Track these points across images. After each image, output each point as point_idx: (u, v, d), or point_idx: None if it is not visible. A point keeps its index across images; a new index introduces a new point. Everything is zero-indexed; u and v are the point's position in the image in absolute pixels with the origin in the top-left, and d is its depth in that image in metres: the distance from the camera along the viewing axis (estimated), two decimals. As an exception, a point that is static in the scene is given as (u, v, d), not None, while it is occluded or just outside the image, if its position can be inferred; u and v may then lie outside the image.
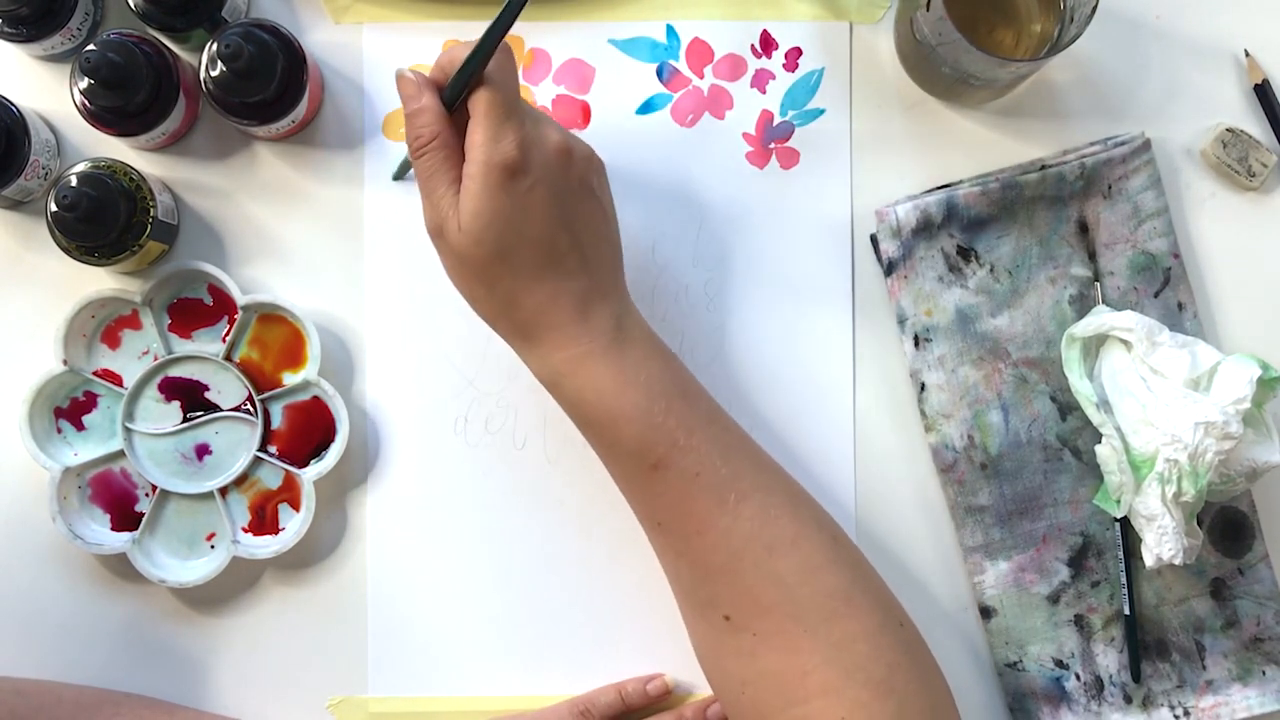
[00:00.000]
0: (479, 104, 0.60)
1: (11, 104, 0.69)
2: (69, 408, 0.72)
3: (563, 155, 0.62)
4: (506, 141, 0.60)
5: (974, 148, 0.74)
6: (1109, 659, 0.72)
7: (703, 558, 0.62)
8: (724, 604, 0.62)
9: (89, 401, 0.72)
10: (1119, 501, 0.70)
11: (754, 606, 0.61)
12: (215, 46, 0.67)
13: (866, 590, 0.63)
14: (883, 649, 0.61)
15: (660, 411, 0.62)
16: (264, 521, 0.72)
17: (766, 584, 0.61)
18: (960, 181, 0.73)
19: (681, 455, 0.62)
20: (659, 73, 0.74)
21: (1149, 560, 0.68)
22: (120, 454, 0.71)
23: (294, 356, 0.72)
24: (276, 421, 0.72)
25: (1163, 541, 0.67)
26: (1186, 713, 0.71)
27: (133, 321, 0.72)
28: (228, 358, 0.72)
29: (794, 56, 0.74)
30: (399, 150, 0.73)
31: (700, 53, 0.74)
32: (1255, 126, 0.74)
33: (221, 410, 0.72)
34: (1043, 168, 0.72)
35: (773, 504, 0.62)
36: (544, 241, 0.61)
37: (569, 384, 0.63)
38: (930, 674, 0.63)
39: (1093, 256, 0.72)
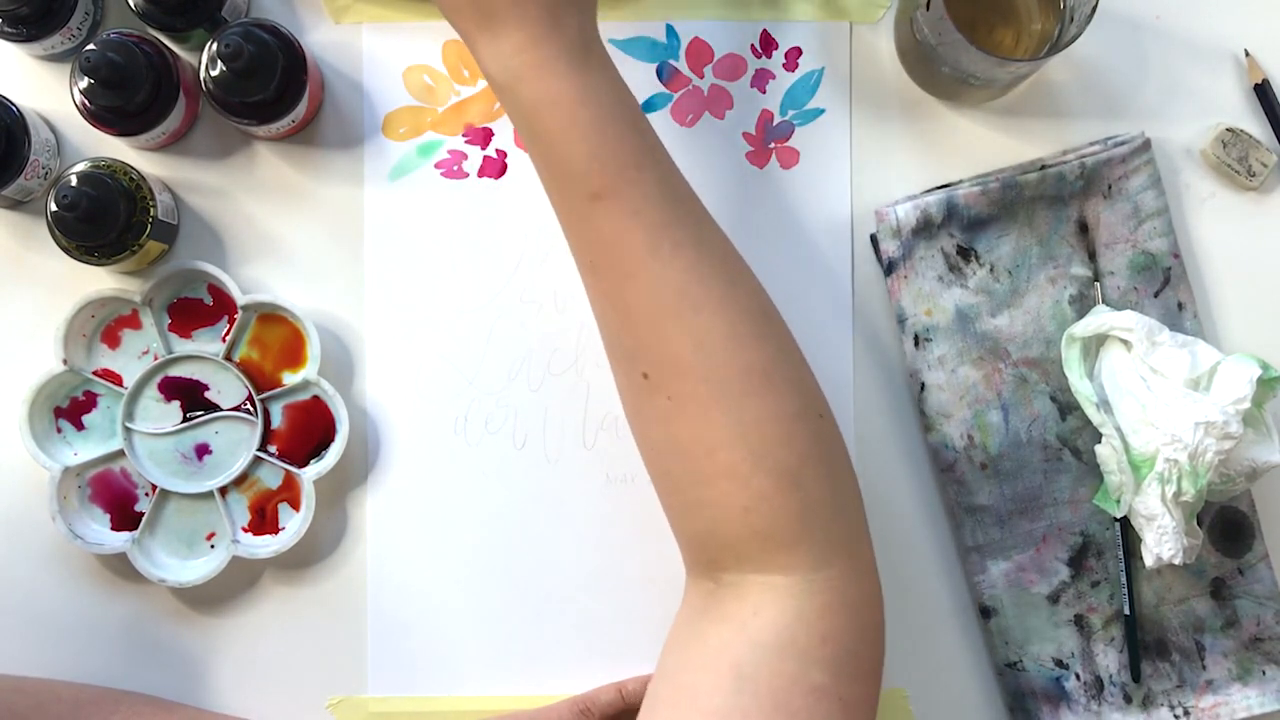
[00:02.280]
0: None
1: (11, 104, 0.69)
2: (69, 407, 0.72)
3: None
4: None
5: (974, 148, 0.74)
6: (1109, 659, 0.72)
7: (629, 305, 0.59)
8: (644, 359, 0.59)
9: (89, 401, 0.72)
10: (1119, 501, 0.70)
11: (672, 366, 0.58)
12: (215, 46, 0.67)
13: (790, 372, 0.59)
14: (795, 436, 0.58)
15: (613, 137, 0.58)
16: (264, 521, 0.72)
17: (687, 343, 0.58)
18: (960, 181, 0.73)
19: (625, 187, 0.58)
20: (659, 73, 0.74)
21: (1149, 560, 0.69)
22: (120, 454, 0.71)
23: (294, 356, 0.72)
24: (276, 421, 0.72)
25: (1163, 541, 0.67)
26: (1186, 712, 0.71)
27: (133, 321, 0.72)
28: (228, 357, 0.72)
29: (794, 56, 0.74)
30: (399, 150, 0.73)
31: (700, 53, 0.74)
32: (1255, 126, 0.74)
33: (221, 410, 0.72)
34: (1043, 168, 0.72)
35: (708, 261, 0.59)
36: None
37: (526, 89, 0.58)
38: (843, 475, 0.60)
39: (1093, 256, 0.72)
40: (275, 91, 0.68)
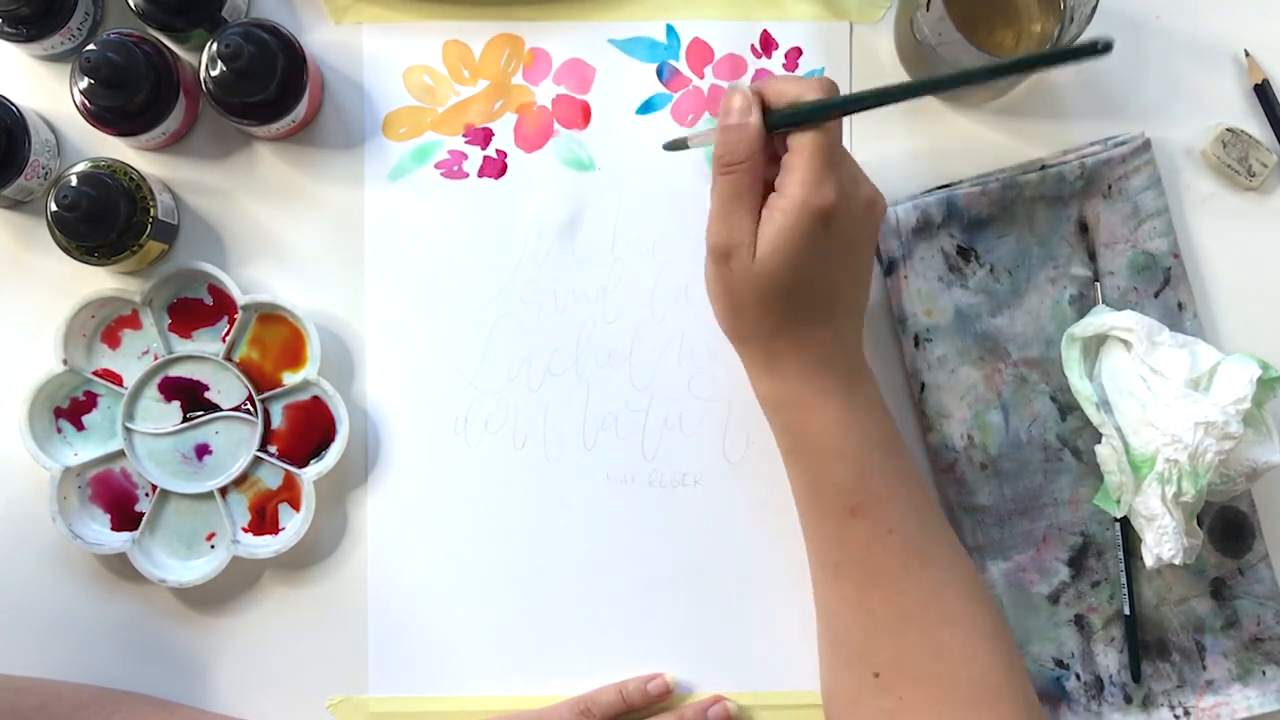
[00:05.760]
0: (808, 144, 0.60)
1: (11, 104, 0.69)
2: (69, 408, 0.72)
3: (869, 210, 0.63)
4: (827, 188, 0.60)
5: (974, 148, 0.74)
6: (1109, 659, 0.72)
7: (872, 612, 0.63)
8: (878, 662, 0.63)
9: (89, 401, 0.72)
10: (1119, 501, 0.70)
11: (908, 673, 0.62)
12: (215, 46, 0.67)
13: (1018, 688, 0.63)
14: None
15: (876, 461, 0.63)
16: (264, 521, 0.72)
17: (928, 654, 0.62)
18: (960, 181, 0.73)
19: (882, 507, 0.63)
20: (659, 73, 0.74)
21: (1149, 560, 0.69)
22: (120, 454, 0.71)
23: (294, 356, 0.72)
24: (276, 421, 0.72)
25: (1163, 541, 0.67)
26: (1187, 713, 0.71)
27: (133, 321, 0.72)
28: (228, 357, 0.72)
29: (794, 56, 0.74)
30: (399, 150, 0.73)
31: (700, 53, 0.74)
32: (1255, 126, 0.74)
33: (221, 410, 0.72)
34: (1043, 168, 0.72)
35: (953, 579, 0.64)
36: (829, 289, 0.63)
37: (797, 413, 0.64)
38: None
39: (1093, 256, 0.72)
40: (275, 91, 0.68)
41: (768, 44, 0.74)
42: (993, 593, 0.71)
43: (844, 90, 0.74)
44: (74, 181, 0.67)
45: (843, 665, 0.65)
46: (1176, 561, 0.67)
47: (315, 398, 0.72)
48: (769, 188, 0.62)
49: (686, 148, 0.70)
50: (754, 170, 0.61)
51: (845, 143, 0.73)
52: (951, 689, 0.62)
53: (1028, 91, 0.74)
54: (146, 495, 0.72)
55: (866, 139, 0.74)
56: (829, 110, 0.60)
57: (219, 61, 0.66)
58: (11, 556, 0.72)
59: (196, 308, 0.72)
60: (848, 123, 0.74)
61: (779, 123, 0.61)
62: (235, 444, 0.72)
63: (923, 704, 0.62)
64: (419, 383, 0.73)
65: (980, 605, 0.64)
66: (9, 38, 0.70)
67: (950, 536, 0.66)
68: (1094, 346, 0.71)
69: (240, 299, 0.70)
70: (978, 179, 0.72)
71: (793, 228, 0.60)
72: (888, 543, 0.63)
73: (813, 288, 0.62)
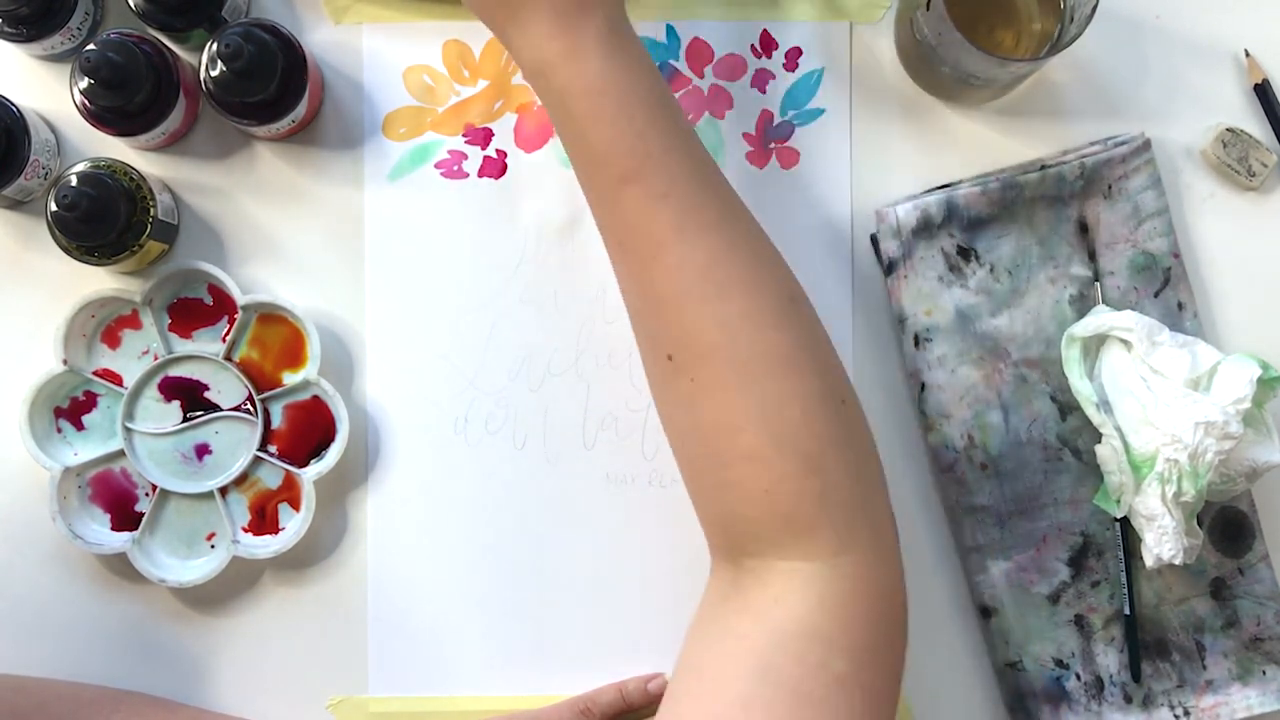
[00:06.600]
0: None
1: (11, 104, 0.69)
2: (69, 407, 0.72)
3: None
4: None
5: (974, 148, 0.74)
6: (1109, 659, 0.72)
7: (654, 285, 0.59)
8: (668, 342, 0.59)
9: (89, 401, 0.72)
10: (1119, 501, 0.70)
11: (695, 348, 0.58)
12: (215, 46, 0.67)
13: (813, 356, 0.59)
14: (816, 419, 0.58)
15: (642, 119, 0.59)
16: (264, 521, 0.72)
17: (710, 325, 0.58)
18: (960, 181, 0.73)
19: (653, 170, 0.59)
20: (659, 72, 0.74)
21: (1149, 560, 0.69)
22: (120, 454, 0.71)
23: (294, 356, 0.72)
24: (276, 421, 0.72)
25: (1163, 541, 0.67)
26: (1187, 712, 0.71)
27: (133, 321, 0.72)
28: (228, 357, 0.72)
29: (794, 56, 0.74)
30: (399, 150, 0.73)
31: (700, 53, 0.74)
32: (1255, 126, 0.74)
33: (221, 410, 0.72)
34: (1043, 168, 0.72)
35: (733, 244, 0.59)
36: None
37: (557, 76, 0.59)
38: (866, 461, 0.60)
39: (1093, 256, 0.72)
40: (275, 91, 0.68)
41: (768, 44, 0.74)
42: (993, 593, 0.72)
43: (844, 87, 0.74)
44: (74, 181, 0.67)
45: (647, 357, 0.61)
46: (1176, 561, 0.67)
47: (315, 398, 0.72)
48: None
49: None
50: None
51: (845, 142, 0.74)
52: (741, 363, 0.58)
53: (1028, 91, 0.74)
54: (146, 495, 0.72)
55: (867, 139, 0.74)
56: None
57: (219, 61, 0.66)
58: (11, 556, 0.72)
59: (196, 308, 0.72)
60: (847, 122, 0.74)
61: None
62: (235, 444, 0.72)
63: (714, 383, 0.58)
64: (419, 383, 0.73)
65: (767, 271, 0.60)
66: (9, 38, 0.70)
67: (732, 198, 0.61)
68: (1094, 346, 0.71)
69: (240, 299, 0.70)
70: (978, 179, 0.72)
71: None
72: (661, 208, 0.58)
73: None
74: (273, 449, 0.72)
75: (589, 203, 0.62)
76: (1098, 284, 0.72)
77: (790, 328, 0.59)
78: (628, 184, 0.59)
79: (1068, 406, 0.72)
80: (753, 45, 0.74)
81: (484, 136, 0.73)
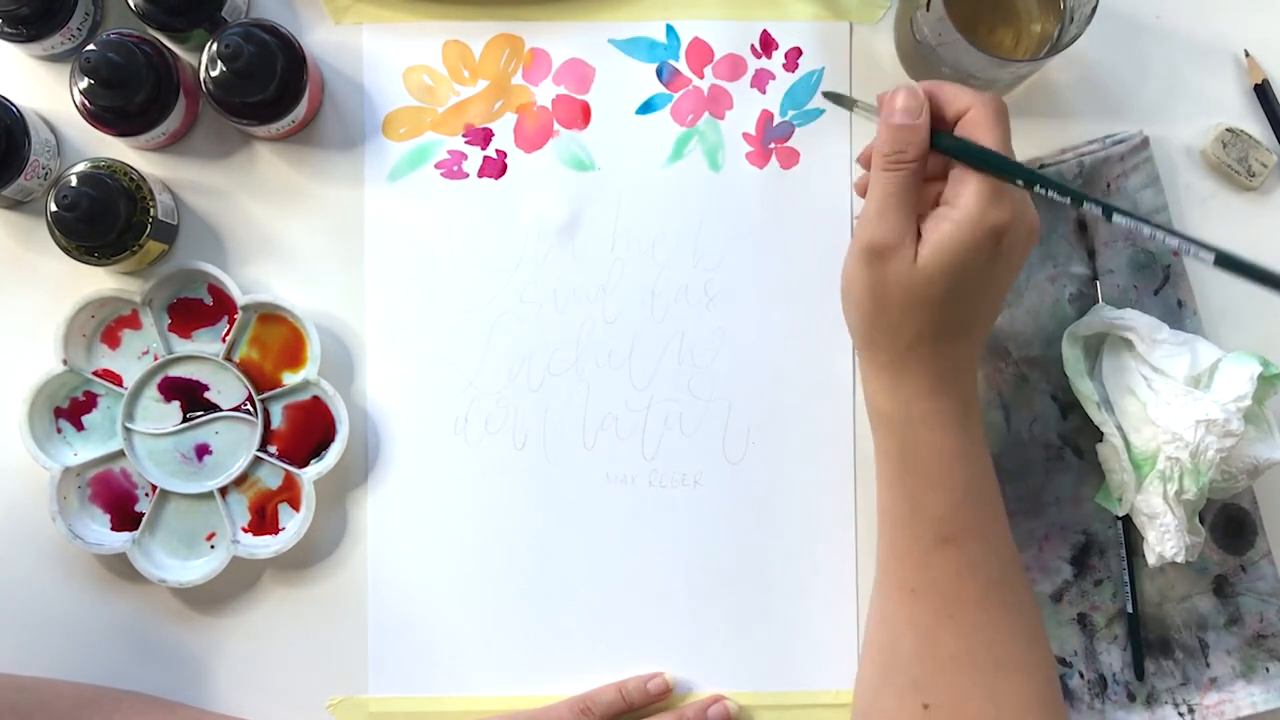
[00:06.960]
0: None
1: (11, 104, 0.69)
2: (69, 408, 0.72)
3: (1031, 234, 0.61)
4: (1004, 208, 0.59)
5: (974, 147, 0.74)
6: (1112, 657, 0.72)
7: (936, 642, 0.62)
8: (931, 694, 0.62)
9: (89, 401, 0.72)
10: (1121, 500, 0.70)
11: (958, 712, 0.61)
12: (215, 46, 0.67)
13: None
14: None
15: (976, 495, 0.63)
16: (264, 521, 0.72)
17: (982, 697, 0.61)
18: (960, 180, 0.73)
19: (972, 540, 0.62)
20: (659, 73, 0.74)
21: (1151, 558, 0.68)
22: (120, 454, 0.71)
23: (294, 356, 0.72)
24: (276, 421, 0.72)
25: (1165, 539, 0.67)
26: (1190, 710, 0.71)
27: (133, 321, 0.72)
28: (228, 358, 0.71)
29: (794, 56, 0.74)
30: (399, 150, 0.73)
31: (700, 53, 0.74)
32: (1255, 126, 0.74)
33: (221, 410, 0.72)
34: (1042, 167, 0.72)
35: (1021, 626, 0.63)
36: (976, 307, 0.62)
37: (915, 433, 0.62)
38: None
39: (1092, 255, 0.72)
40: (275, 92, 0.68)
41: (768, 44, 0.74)
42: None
43: (844, 87, 0.74)
44: (74, 181, 0.67)
45: (892, 691, 0.63)
46: (1179, 559, 0.67)
47: (315, 398, 0.72)
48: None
49: (848, 108, 0.69)
50: (919, 174, 0.60)
51: (845, 142, 0.74)
52: None
53: (1028, 91, 0.74)
54: (146, 495, 0.72)
55: (867, 139, 0.73)
56: (1000, 171, 0.59)
57: (219, 61, 0.66)
58: (11, 556, 0.72)
59: (196, 308, 0.72)
60: (848, 122, 0.74)
61: (951, 147, 0.60)
62: (235, 444, 0.72)
63: None
64: (419, 383, 0.73)
65: (1041, 656, 0.63)
66: (9, 38, 0.70)
67: (1025, 581, 0.65)
68: (1094, 345, 0.71)
69: (240, 299, 0.70)
70: (978, 178, 0.72)
71: (965, 240, 0.58)
72: (971, 577, 0.62)
73: (963, 303, 0.61)
74: (273, 449, 0.72)
75: (889, 544, 0.64)
76: (1097, 282, 0.72)
77: (1049, 715, 0.62)
78: (946, 546, 0.62)
79: (1068, 405, 0.72)
80: (753, 45, 0.74)
81: (484, 137, 0.73)
